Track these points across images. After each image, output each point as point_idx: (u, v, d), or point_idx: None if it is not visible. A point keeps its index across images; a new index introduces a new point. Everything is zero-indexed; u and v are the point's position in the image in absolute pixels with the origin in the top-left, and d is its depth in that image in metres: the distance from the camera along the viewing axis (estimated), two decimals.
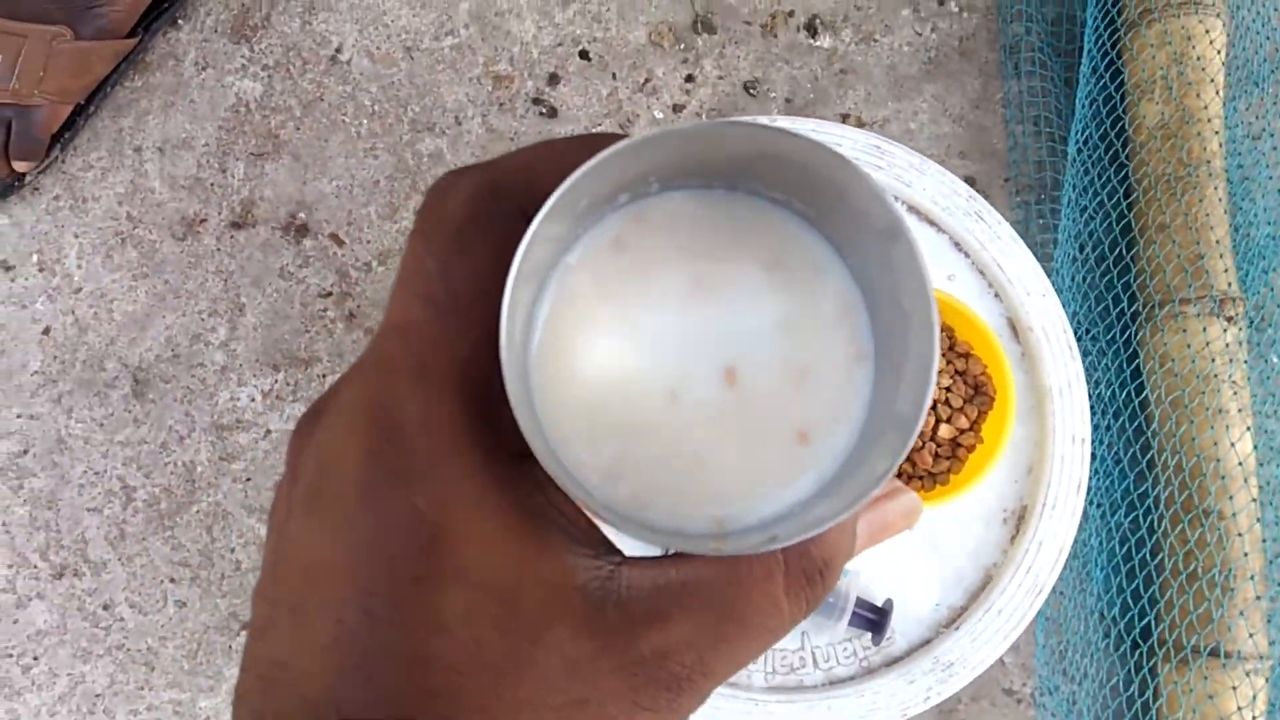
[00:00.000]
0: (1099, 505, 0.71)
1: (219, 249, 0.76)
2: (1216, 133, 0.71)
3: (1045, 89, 0.77)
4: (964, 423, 0.54)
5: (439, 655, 0.17)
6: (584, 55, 0.79)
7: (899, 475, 0.53)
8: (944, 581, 0.56)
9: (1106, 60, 0.76)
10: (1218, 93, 0.72)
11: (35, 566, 0.72)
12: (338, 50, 0.79)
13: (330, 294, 0.76)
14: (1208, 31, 0.71)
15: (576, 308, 0.20)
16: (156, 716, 0.71)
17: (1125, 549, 0.70)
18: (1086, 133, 0.74)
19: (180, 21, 0.78)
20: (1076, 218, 0.73)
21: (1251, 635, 0.64)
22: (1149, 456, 0.70)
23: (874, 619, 0.53)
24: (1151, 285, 0.71)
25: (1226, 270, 0.68)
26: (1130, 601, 0.70)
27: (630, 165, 0.18)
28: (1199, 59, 0.71)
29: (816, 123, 0.59)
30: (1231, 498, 0.65)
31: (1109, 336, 0.73)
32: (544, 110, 0.78)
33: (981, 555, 0.56)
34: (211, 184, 0.76)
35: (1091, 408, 0.57)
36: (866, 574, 0.56)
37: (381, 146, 0.77)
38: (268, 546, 0.19)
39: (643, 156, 0.18)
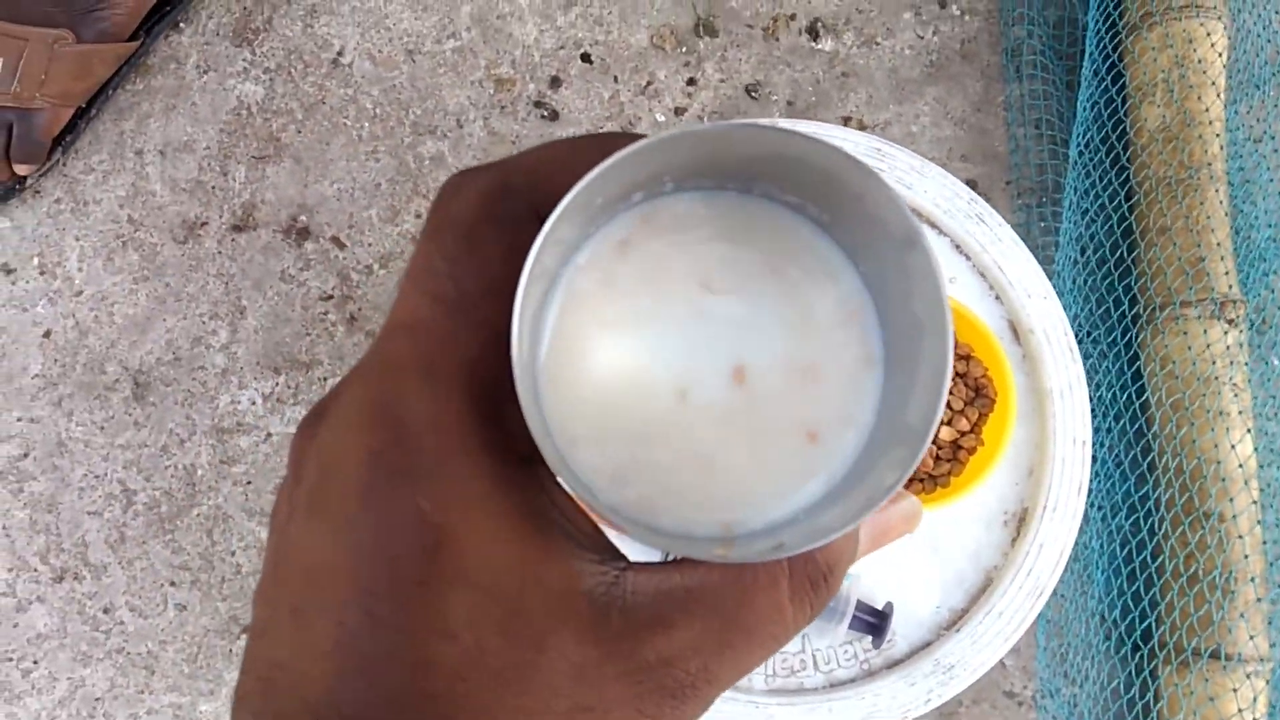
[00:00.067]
0: (1100, 508, 0.71)
1: (220, 252, 0.76)
2: (1218, 136, 0.71)
3: (1047, 92, 0.77)
4: (965, 425, 0.54)
5: (441, 659, 0.16)
6: (586, 58, 0.79)
7: None
8: (945, 584, 0.56)
9: (1108, 63, 0.76)
10: (1219, 96, 0.72)
11: (35, 570, 0.72)
12: (339, 53, 0.79)
13: (331, 297, 0.76)
14: (1209, 34, 0.72)
15: (586, 308, 0.20)
16: None
17: (1126, 551, 0.70)
18: (1088, 136, 0.74)
19: (182, 25, 0.78)
20: (1078, 220, 0.73)
21: (1252, 637, 0.64)
22: (1150, 459, 0.70)
23: (875, 622, 0.53)
24: (1152, 288, 0.71)
25: (1227, 273, 0.68)
26: (1131, 604, 0.70)
27: (644, 166, 0.18)
28: (1200, 62, 0.71)
29: (818, 125, 0.59)
30: (1232, 500, 0.65)
31: (1110, 339, 0.73)
32: (546, 113, 0.78)
33: (982, 557, 0.56)
34: (213, 187, 0.77)
35: (1092, 410, 0.57)
36: (867, 577, 0.56)
37: (383, 149, 0.78)
38: (269, 548, 0.19)
39: (657, 158, 0.18)
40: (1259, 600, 0.64)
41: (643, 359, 0.20)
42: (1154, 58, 0.73)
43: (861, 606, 0.53)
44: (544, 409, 0.20)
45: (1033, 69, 0.77)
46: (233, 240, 0.76)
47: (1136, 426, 0.71)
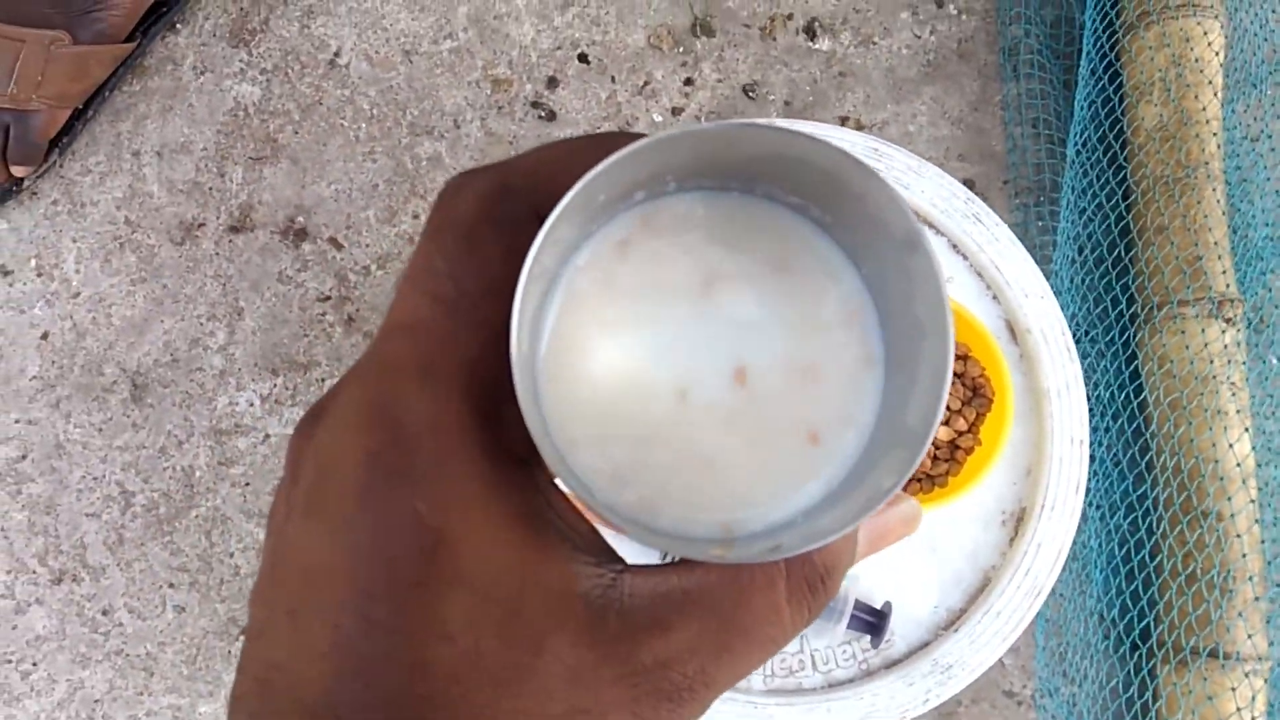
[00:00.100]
0: (1098, 507, 0.71)
1: (217, 253, 0.76)
2: (1215, 135, 0.71)
3: (1044, 91, 0.77)
4: (962, 425, 0.54)
5: (438, 662, 0.16)
6: (583, 58, 0.79)
7: None
8: (943, 584, 0.56)
9: (1105, 62, 0.76)
10: (1216, 95, 0.72)
11: (34, 572, 0.72)
12: (336, 54, 0.79)
13: (329, 298, 0.76)
14: (1206, 34, 0.72)
15: (585, 308, 0.20)
16: None
17: (1124, 550, 0.70)
18: (1085, 135, 0.74)
19: (178, 26, 0.78)
20: (1075, 220, 0.73)
21: (1250, 636, 0.64)
22: (1148, 458, 0.70)
23: (873, 621, 0.53)
24: (1150, 287, 0.71)
25: (1225, 272, 0.68)
26: (1129, 603, 0.70)
27: (644, 166, 0.18)
28: (1197, 61, 0.71)
29: (815, 125, 0.59)
30: (1230, 499, 0.65)
31: (1108, 338, 0.73)
32: (543, 114, 0.78)
33: (980, 557, 0.56)
34: (210, 188, 0.76)
35: (1090, 409, 0.57)
36: (865, 576, 0.56)
37: (380, 150, 0.77)
38: (266, 549, 0.19)
39: (656, 158, 0.18)
40: (1257, 599, 0.64)
41: (643, 359, 0.20)
42: (1151, 57, 0.73)
43: (860, 606, 0.53)
44: (543, 409, 0.19)
45: (1030, 68, 0.77)
46: (230, 241, 0.76)
47: (1134, 425, 0.71)
